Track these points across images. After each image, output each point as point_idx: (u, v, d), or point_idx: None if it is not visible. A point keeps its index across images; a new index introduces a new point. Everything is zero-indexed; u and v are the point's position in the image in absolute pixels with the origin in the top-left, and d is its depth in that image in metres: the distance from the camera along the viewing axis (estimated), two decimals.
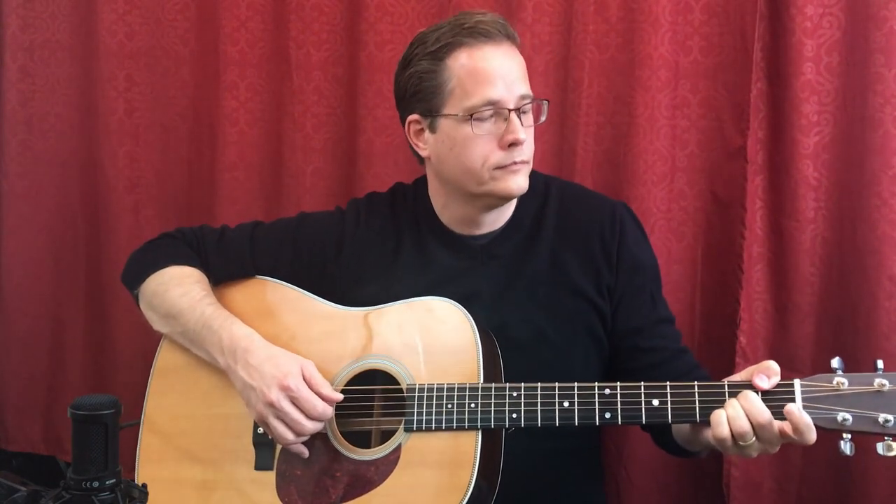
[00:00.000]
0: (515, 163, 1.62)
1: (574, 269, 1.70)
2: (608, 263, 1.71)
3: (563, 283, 1.70)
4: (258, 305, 1.75)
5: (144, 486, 1.24)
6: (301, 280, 1.76)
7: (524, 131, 1.61)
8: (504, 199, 1.68)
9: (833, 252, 1.94)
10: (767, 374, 1.43)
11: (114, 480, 1.17)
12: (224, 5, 2.28)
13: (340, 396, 1.60)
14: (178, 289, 1.73)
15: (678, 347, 1.73)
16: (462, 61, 1.61)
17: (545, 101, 1.70)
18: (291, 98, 2.27)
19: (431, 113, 1.65)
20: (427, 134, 1.68)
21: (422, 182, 1.81)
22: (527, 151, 1.64)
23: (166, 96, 2.38)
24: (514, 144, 1.61)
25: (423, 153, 1.71)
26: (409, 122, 1.70)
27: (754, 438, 1.40)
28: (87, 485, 1.16)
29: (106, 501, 1.16)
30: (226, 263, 1.81)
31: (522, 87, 1.63)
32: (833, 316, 1.94)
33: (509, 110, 1.60)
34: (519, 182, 1.64)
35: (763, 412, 1.39)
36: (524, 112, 1.64)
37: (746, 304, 1.97)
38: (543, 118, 1.70)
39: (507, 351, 1.62)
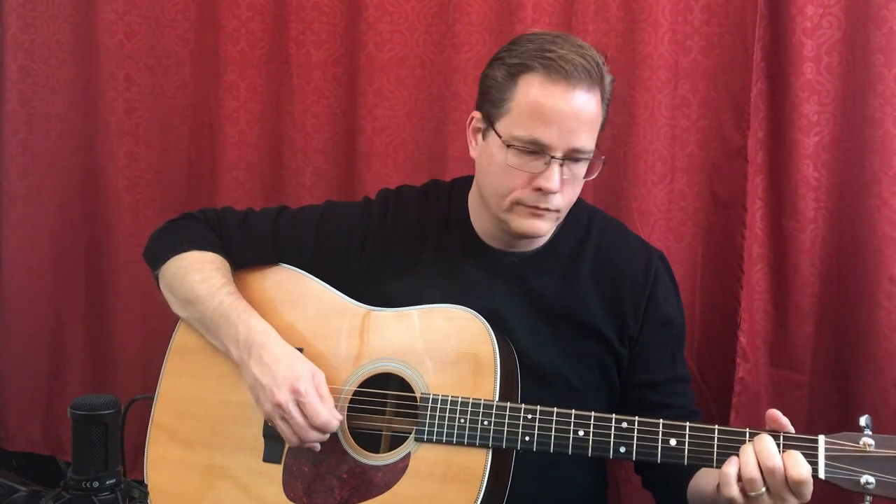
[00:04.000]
0: (539, 207, 1.56)
1: (600, 312, 1.66)
2: (635, 314, 1.67)
3: (586, 325, 1.66)
4: (279, 295, 1.73)
5: (145, 486, 1.24)
6: (323, 271, 1.73)
7: (562, 184, 1.53)
8: (517, 235, 1.62)
9: (833, 252, 1.94)
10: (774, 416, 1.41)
11: (114, 480, 1.17)
12: (224, 5, 2.28)
13: (339, 418, 1.57)
14: (198, 275, 1.71)
15: (691, 408, 1.69)
16: (528, 88, 1.52)
17: (602, 161, 1.59)
18: (291, 98, 2.27)
19: (489, 120, 1.59)
20: (480, 136, 1.62)
21: (461, 183, 1.76)
22: (557, 201, 1.55)
23: (166, 96, 2.38)
24: (542, 190, 1.54)
25: (472, 153, 1.65)
26: (472, 117, 1.64)
27: (764, 489, 1.35)
28: (87, 485, 1.16)
29: (106, 501, 1.16)
30: (247, 249, 1.78)
31: (580, 140, 1.52)
32: (833, 316, 1.94)
33: (552, 157, 1.52)
34: (536, 225, 1.57)
35: (773, 456, 1.34)
36: (574, 161, 1.54)
37: (746, 304, 1.97)
38: (594, 176, 1.59)
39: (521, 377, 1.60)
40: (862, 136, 1.87)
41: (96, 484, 1.16)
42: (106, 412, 1.17)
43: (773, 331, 1.99)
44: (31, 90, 2.42)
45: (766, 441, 1.36)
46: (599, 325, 1.66)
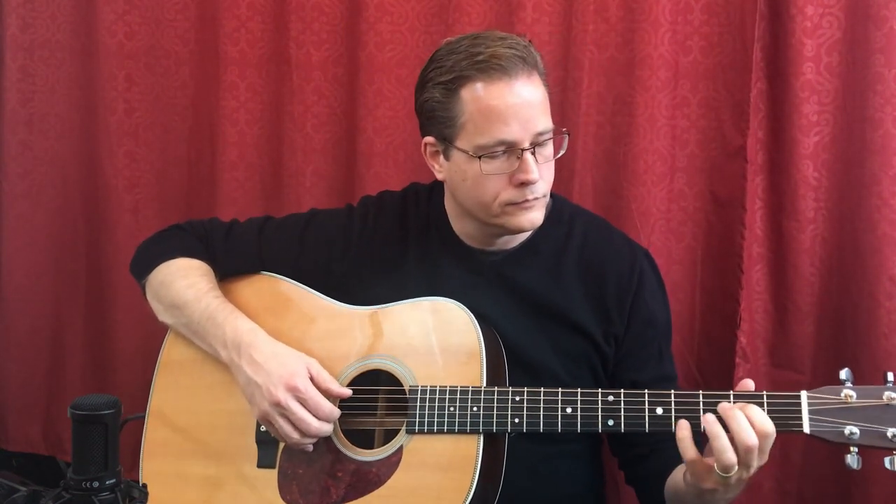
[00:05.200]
0: (528, 200, 1.57)
1: (585, 310, 1.67)
2: (620, 312, 1.67)
3: (571, 321, 1.67)
4: (264, 301, 1.75)
5: (144, 486, 1.24)
6: (307, 278, 1.75)
7: (539, 168, 1.55)
8: (515, 232, 1.65)
9: (833, 252, 1.94)
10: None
11: (114, 480, 1.17)
12: (224, 5, 2.28)
13: (349, 392, 1.60)
14: (184, 280, 1.73)
15: None
16: (474, 96, 1.54)
17: (566, 134, 1.63)
18: (291, 98, 2.27)
19: (445, 140, 1.60)
20: (441, 158, 1.64)
21: (439, 186, 1.77)
22: (541, 188, 1.58)
23: (166, 96, 2.38)
24: (524, 184, 1.56)
25: (438, 175, 1.67)
26: (425, 144, 1.65)
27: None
28: (87, 485, 1.16)
29: (106, 501, 1.16)
30: (232, 258, 1.80)
31: (540, 123, 1.55)
32: (833, 316, 1.94)
33: (522, 150, 1.54)
34: (531, 217, 1.60)
35: (767, 423, 1.37)
36: (541, 145, 1.57)
37: (746, 304, 1.97)
38: (563, 151, 1.62)
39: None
40: (862, 136, 1.87)
41: (96, 484, 1.16)
42: (106, 412, 1.16)
43: (773, 331, 1.99)
44: (30, 90, 2.42)
45: (755, 411, 1.38)
46: (584, 323, 1.67)
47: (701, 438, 1.44)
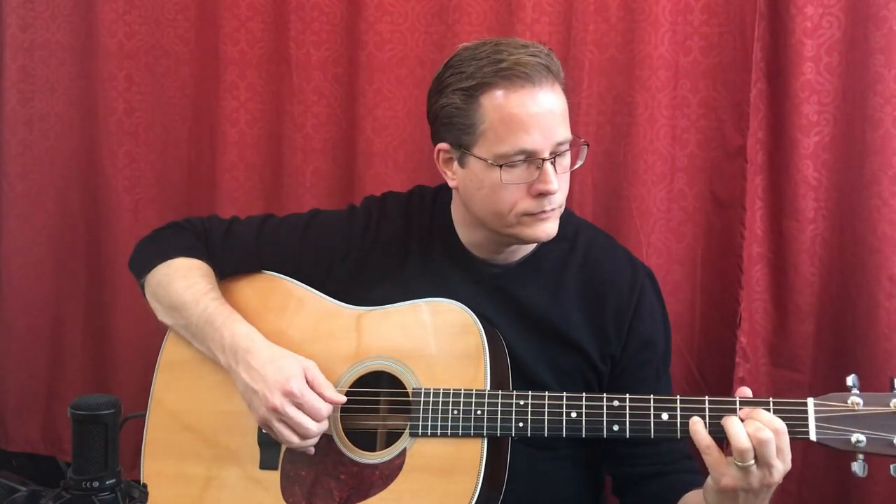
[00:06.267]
0: (545, 211, 1.56)
1: (583, 327, 1.66)
2: (618, 332, 1.66)
3: (568, 339, 1.66)
4: (264, 301, 1.74)
5: (144, 485, 1.24)
6: (307, 278, 1.74)
7: (557, 179, 1.53)
8: (529, 243, 1.64)
9: (833, 252, 1.94)
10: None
11: (114, 480, 1.17)
12: (224, 5, 2.27)
13: (343, 399, 1.59)
14: (184, 281, 1.72)
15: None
16: (496, 104, 1.51)
17: (585, 145, 1.61)
18: (291, 98, 2.27)
19: (461, 147, 1.57)
20: (456, 165, 1.61)
21: (445, 189, 1.75)
22: (558, 199, 1.56)
23: (166, 96, 2.37)
24: (542, 194, 1.54)
25: (451, 183, 1.65)
26: (439, 150, 1.63)
27: (753, 461, 1.36)
28: (87, 485, 1.16)
29: (106, 501, 1.16)
30: (231, 257, 1.79)
31: (561, 133, 1.53)
32: (833, 316, 1.94)
33: (542, 159, 1.52)
34: (547, 229, 1.58)
35: (775, 419, 1.36)
36: (560, 155, 1.54)
37: (746, 304, 1.97)
38: (581, 162, 1.60)
39: None
40: (862, 136, 1.87)
41: (96, 484, 1.16)
42: (106, 412, 1.16)
43: (773, 331, 1.99)
44: (30, 90, 2.41)
45: (761, 412, 1.37)
46: (581, 341, 1.66)
47: None
